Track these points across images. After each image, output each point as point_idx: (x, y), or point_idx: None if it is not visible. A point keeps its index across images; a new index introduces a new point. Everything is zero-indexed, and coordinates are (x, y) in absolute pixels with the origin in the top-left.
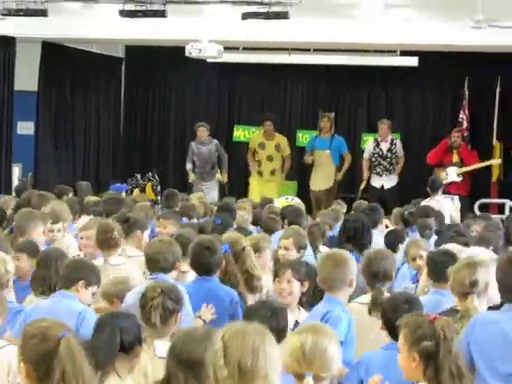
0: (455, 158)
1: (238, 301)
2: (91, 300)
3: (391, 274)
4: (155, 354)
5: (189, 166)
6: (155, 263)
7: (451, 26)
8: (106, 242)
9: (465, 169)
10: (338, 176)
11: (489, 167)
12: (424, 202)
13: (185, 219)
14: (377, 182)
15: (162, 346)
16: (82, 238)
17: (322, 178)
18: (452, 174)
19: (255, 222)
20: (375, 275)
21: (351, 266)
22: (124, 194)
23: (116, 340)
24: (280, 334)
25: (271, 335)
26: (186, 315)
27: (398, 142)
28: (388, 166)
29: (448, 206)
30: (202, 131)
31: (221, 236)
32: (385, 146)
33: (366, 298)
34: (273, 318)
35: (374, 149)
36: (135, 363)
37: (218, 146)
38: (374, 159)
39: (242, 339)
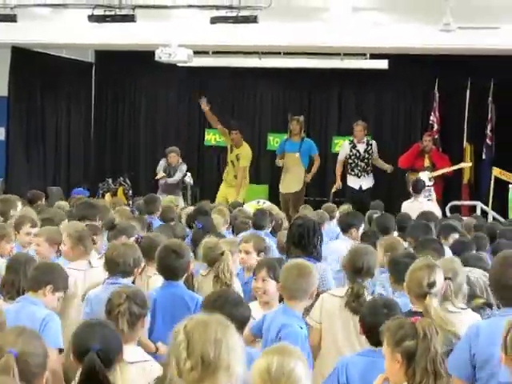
0: (427, 163)
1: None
2: (57, 305)
3: (373, 270)
4: (124, 359)
5: (160, 174)
6: (115, 266)
7: (420, 29)
8: (84, 247)
9: (436, 173)
10: (307, 178)
11: (460, 168)
12: (407, 203)
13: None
14: (355, 183)
15: (131, 351)
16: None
17: (291, 181)
18: (424, 179)
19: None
20: (358, 270)
21: (315, 278)
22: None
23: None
24: (240, 323)
25: (233, 326)
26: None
27: (374, 143)
28: (365, 166)
29: (430, 207)
30: (173, 157)
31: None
32: (361, 148)
33: (341, 291)
34: (233, 308)
35: (351, 150)
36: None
37: (184, 173)
38: (351, 161)
39: (205, 331)
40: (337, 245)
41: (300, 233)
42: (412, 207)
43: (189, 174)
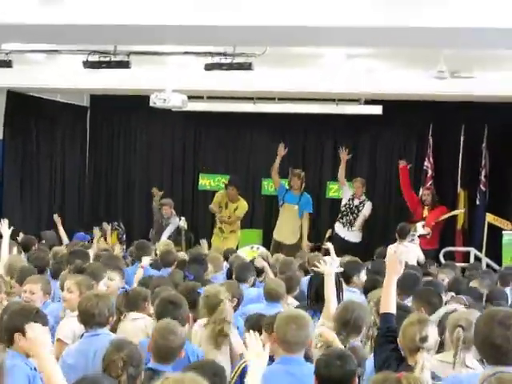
0: (425, 214)
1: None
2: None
3: (362, 327)
4: None
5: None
6: (91, 318)
7: (414, 76)
8: None
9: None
10: (306, 246)
11: (454, 215)
12: (392, 247)
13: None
14: (341, 231)
15: None
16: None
17: (288, 232)
18: (420, 228)
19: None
20: (345, 324)
21: (312, 327)
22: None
23: None
24: None
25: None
26: None
27: (368, 205)
28: (352, 220)
29: (415, 251)
30: (166, 209)
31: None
32: (356, 202)
33: None
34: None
35: (349, 200)
36: None
37: (181, 225)
38: (343, 209)
39: None
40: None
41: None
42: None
43: (183, 218)
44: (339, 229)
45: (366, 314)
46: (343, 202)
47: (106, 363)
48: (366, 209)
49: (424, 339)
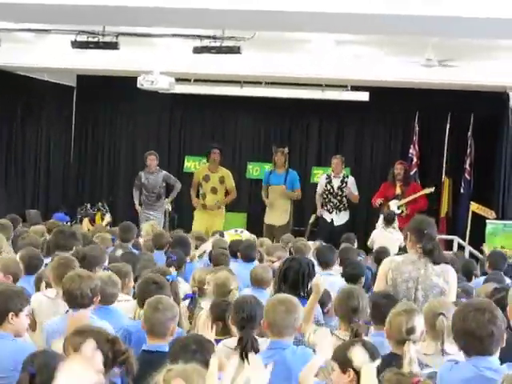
0: (397, 191)
1: None
2: (27, 324)
3: (367, 311)
4: None
5: (136, 200)
6: (74, 299)
7: (402, 63)
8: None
9: (404, 200)
10: (286, 194)
11: (438, 202)
12: (377, 232)
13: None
14: (327, 216)
15: None
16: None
17: (278, 214)
18: (393, 207)
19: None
20: (355, 310)
21: (301, 312)
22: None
23: None
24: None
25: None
26: None
27: (350, 181)
28: (338, 203)
29: (398, 238)
30: (152, 160)
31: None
32: (336, 183)
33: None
34: (199, 353)
35: (326, 185)
36: None
37: (167, 176)
38: (324, 196)
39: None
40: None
41: (294, 279)
42: (382, 236)
43: (167, 199)
44: (326, 215)
45: (366, 296)
46: (320, 190)
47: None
48: (352, 186)
49: (411, 331)
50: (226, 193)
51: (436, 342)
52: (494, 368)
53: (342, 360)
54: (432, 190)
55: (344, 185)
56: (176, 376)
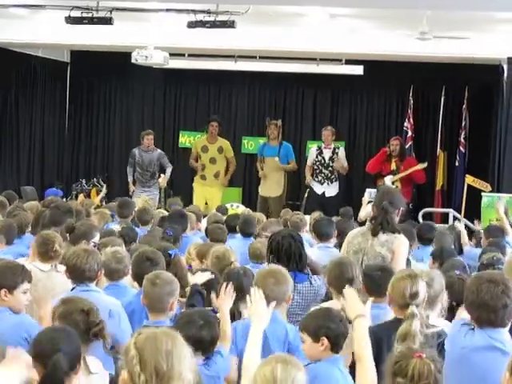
0: (393, 166)
1: None
2: (26, 300)
3: (360, 280)
4: (90, 371)
5: (130, 177)
6: (81, 274)
7: (397, 36)
8: (46, 254)
9: (398, 176)
10: (281, 166)
11: (433, 175)
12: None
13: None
14: (318, 189)
15: (94, 362)
16: None
17: (272, 186)
18: (388, 183)
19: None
20: (350, 281)
21: (290, 284)
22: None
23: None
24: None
25: (180, 337)
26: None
27: (341, 152)
28: (329, 174)
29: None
30: (150, 139)
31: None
32: (327, 154)
33: (333, 303)
34: (204, 327)
35: (317, 156)
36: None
37: (162, 155)
38: (315, 167)
39: (155, 344)
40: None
41: (285, 253)
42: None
43: (162, 175)
44: (317, 187)
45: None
46: (310, 162)
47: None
48: (342, 157)
49: (414, 296)
50: (226, 164)
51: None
52: (506, 340)
53: (314, 329)
54: (425, 165)
55: (335, 156)
56: (145, 338)
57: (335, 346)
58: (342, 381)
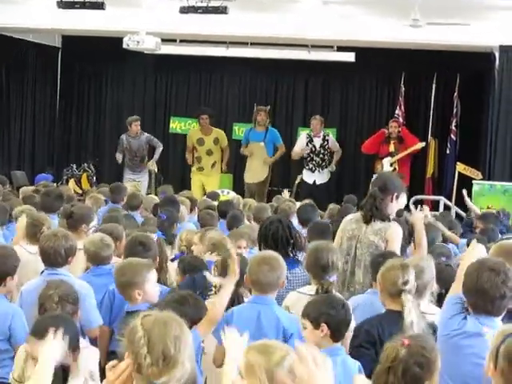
0: (391, 148)
1: None
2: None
3: (338, 265)
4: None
5: (119, 161)
6: (47, 257)
7: (388, 23)
8: (35, 236)
9: (396, 157)
10: (268, 160)
11: (425, 163)
12: None
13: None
14: (309, 177)
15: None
16: None
17: (256, 171)
18: (386, 165)
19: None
20: (324, 268)
21: (284, 269)
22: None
23: None
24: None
25: (185, 323)
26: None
27: (331, 138)
28: (320, 161)
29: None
30: (137, 125)
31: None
32: (318, 142)
33: (310, 288)
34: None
35: (307, 144)
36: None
37: (150, 138)
38: (306, 155)
39: (165, 328)
40: None
41: (275, 239)
42: None
43: (153, 160)
44: (307, 176)
45: (336, 251)
46: (298, 148)
47: (42, 300)
48: (333, 144)
49: (406, 282)
50: (222, 152)
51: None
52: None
53: (314, 316)
54: (423, 144)
55: (326, 143)
56: (154, 321)
57: (336, 334)
58: (339, 376)
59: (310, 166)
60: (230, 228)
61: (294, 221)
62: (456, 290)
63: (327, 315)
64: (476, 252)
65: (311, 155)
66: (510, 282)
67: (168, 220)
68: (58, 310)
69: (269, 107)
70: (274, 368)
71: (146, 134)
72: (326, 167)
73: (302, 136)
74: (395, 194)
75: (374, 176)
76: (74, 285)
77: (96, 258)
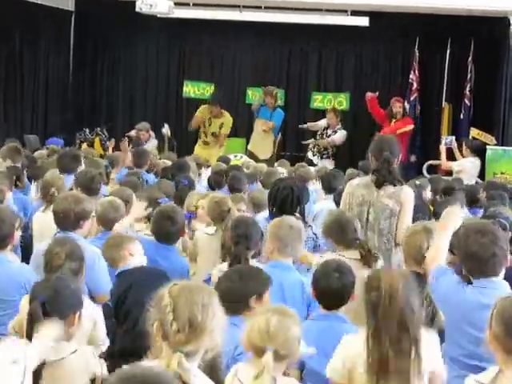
0: (392, 126)
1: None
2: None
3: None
4: None
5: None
6: (58, 220)
7: None
8: (45, 197)
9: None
10: (262, 126)
11: (439, 128)
12: None
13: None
14: (312, 157)
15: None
16: None
17: (262, 147)
18: None
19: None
20: (352, 240)
21: (303, 233)
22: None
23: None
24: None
25: (216, 294)
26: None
27: (340, 132)
28: (322, 149)
29: None
30: (144, 134)
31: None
32: (330, 132)
33: (352, 254)
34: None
35: (324, 130)
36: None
37: (164, 132)
38: (317, 136)
39: (191, 295)
40: (324, 206)
41: (283, 199)
42: None
43: (166, 125)
44: (310, 156)
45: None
46: (316, 125)
47: (49, 256)
48: (338, 136)
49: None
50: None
51: None
52: (499, 288)
53: None
54: (411, 127)
55: (333, 133)
56: (181, 289)
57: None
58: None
59: (314, 150)
60: (230, 188)
61: (311, 186)
62: (435, 260)
63: None
64: (451, 216)
65: (319, 138)
66: (500, 241)
67: (188, 185)
68: (66, 267)
69: (276, 90)
70: None
71: (154, 141)
72: (328, 158)
73: (322, 122)
74: (398, 157)
75: (376, 138)
76: (84, 248)
77: (103, 221)
